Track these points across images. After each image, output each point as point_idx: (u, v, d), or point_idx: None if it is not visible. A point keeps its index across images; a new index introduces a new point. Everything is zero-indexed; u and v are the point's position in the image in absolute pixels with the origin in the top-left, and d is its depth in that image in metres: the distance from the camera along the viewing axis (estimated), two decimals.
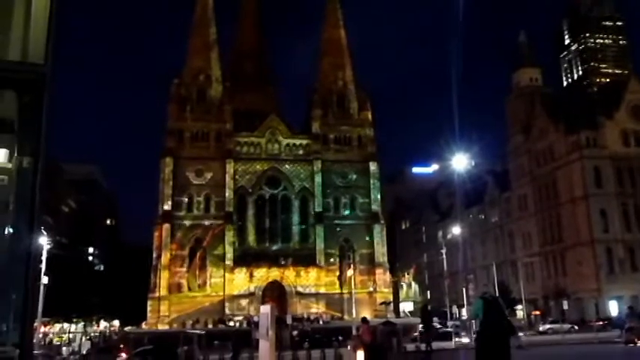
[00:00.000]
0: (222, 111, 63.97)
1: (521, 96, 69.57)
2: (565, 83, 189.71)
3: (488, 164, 76.62)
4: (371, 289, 61.35)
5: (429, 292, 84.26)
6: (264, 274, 60.20)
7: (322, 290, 60.46)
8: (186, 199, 60.94)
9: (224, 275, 59.34)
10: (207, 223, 60.71)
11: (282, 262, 60.53)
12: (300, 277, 60.43)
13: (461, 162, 31.02)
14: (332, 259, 62.04)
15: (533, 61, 73.38)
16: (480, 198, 75.75)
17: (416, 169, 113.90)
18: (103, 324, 77.75)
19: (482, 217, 74.70)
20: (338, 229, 63.38)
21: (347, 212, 64.43)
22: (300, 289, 60.28)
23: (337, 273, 60.40)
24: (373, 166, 65.14)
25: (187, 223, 60.45)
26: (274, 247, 62.37)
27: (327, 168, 64.40)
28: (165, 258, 58.76)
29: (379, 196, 65.39)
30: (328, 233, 62.71)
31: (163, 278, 58.00)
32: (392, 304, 63.59)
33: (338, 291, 59.62)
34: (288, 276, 60.59)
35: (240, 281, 59.64)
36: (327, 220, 63.33)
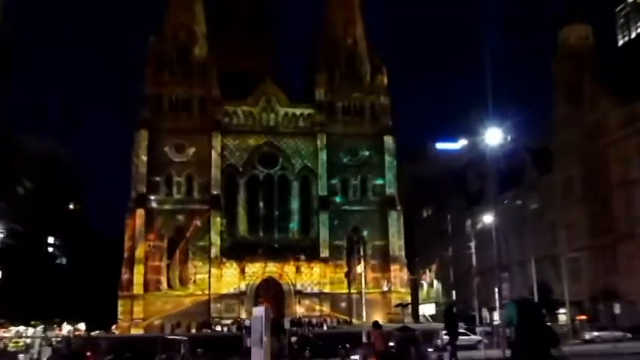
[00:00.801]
0: (208, 74, 63.81)
1: (568, 58, 68.61)
2: (621, 42, 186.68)
3: (527, 140, 76.23)
4: (385, 288, 61.84)
5: (454, 292, 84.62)
6: (257, 270, 60.91)
7: (327, 289, 61.07)
8: (165, 180, 61.29)
9: (210, 271, 59.77)
10: (190, 208, 61.17)
11: (279, 256, 60.66)
12: (300, 274, 60.96)
13: (494, 137, 30.71)
14: (339, 253, 62.45)
15: (584, 16, 72.16)
16: (516, 180, 75.35)
17: (440, 145, 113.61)
18: (66, 327, 78.15)
19: (520, 203, 74.61)
20: (346, 216, 63.62)
21: (357, 196, 64.51)
22: (300, 287, 60.80)
23: (345, 269, 60.56)
24: (389, 141, 65.33)
25: (166, 208, 61.04)
26: (270, 238, 62.98)
27: (334, 143, 64.68)
28: (139, 250, 59.29)
29: (395, 178, 65.60)
30: (334, 221, 63.29)
31: (138, 274, 58.40)
32: (410, 307, 63.84)
33: (345, 290, 59.73)
34: (287, 272, 61.28)
35: (229, 278, 60.44)
36: (333, 205, 63.83)
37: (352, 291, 58.83)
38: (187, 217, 61.21)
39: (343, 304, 60.36)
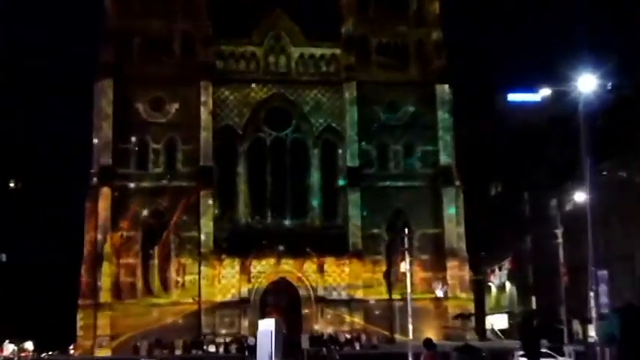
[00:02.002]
0: (195, 2, 63.45)
1: None
2: None
3: (633, 90, 75.24)
4: (439, 292, 62.00)
5: (533, 298, 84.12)
6: (265, 269, 61.22)
7: (359, 294, 61.21)
8: (138, 148, 61.72)
9: (200, 271, 59.92)
10: (172, 186, 61.57)
11: (295, 250, 60.73)
12: (324, 274, 61.20)
13: (588, 84, 30.66)
14: (375, 245, 62.88)
15: None
16: (619, 145, 74.55)
17: (514, 97, 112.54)
18: (8, 347, 77.54)
19: (624, 175, 73.30)
20: (385, 195, 63.87)
21: (400, 168, 64.75)
22: (323, 292, 61.12)
23: (384, 267, 61.27)
24: (443, 92, 65.24)
25: (141, 186, 61.64)
26: (281, 226, 63.28)
27: (367, 95, 64.46)
28: (106, 244, 59.17)
29: (453, 142, 65.29)
30: (369, 202, 63.37)
31: (104, 276, 58.75)
32: (473, 318, 63.64)
33: (385, 296, 60.39)
34: (305, 272, 61.43)
35: (226, 280, 60.74)
36: (368, 180, 63.86)
37: (394, 297, 59.31)
38: (169, 198, 61.57)
39: (382, 315, 60.53)
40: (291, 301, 61.22)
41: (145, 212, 61.59)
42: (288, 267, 61.62)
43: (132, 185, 61.47)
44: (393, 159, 64.90)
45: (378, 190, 63.83)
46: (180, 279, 60.78)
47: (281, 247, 61.38)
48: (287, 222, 63.90)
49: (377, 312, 61.09)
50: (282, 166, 64.37)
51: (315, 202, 64.27)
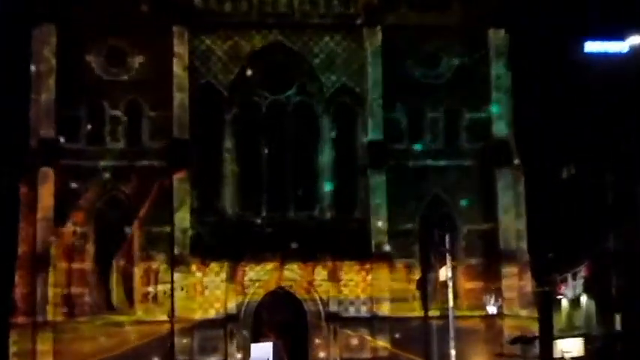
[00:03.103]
0: None
1: None
2: None
3: None
4: (491, 308, 61.54)
5: (618, 317, 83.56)
6: (260, 277, 60.95)
7: (384, 310, 60.77)
8: (90, 116, 61.72)
9: (173, 279, 58.43)
10: (137, 166, 61.79)
11: (300, 252, 60.66)
12: (337, 284, 60.88)
13: None
14: (406, 245, 62.67)
15: None
16: None
17: (593, 47, 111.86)
18: None
19: None
20: (419, 179, 63.72)
21: (439, 142, 64.78)
22: (337, 307, 60.65)
23: (417, 274, 60.15)
24: (498, 40, 64.73)
25: (94, 167, 61.33)
26: (282, 220, 63.15)
27: (396, 44, 63.89)
28: (49, 243, 58.70)
29: (512, 107, 65.39)
30: (398, 188, 62.86)
31: (50, 287, 57.92)
32: (537, 343, 63.06)
33: (418, 312, 58.43)
34: (314, 280, 61.30)
35: (210, 291, 60.53)
36: (396, 158, 63.39)
37: (432, 314, 57.98)
38: (134, 182, 61.41)
39: (415, 338, 58.55)
40: (295, 318, 60.74)
41: (102, 201, 61.29)
42: (291, 274, 61.13)
43: (83, 165, 60.87)
44: (429, 130, 64.14)
45: (409, 172, 62.93)
46: (150, 289, 60.60)
47: (287, 248, 60.42)
48: (290, 215, 63.34)
49: (408, 334, 59.47)
50: (282, 140, 63.93)
51: (326, 189, 63.54)
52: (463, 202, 64.06)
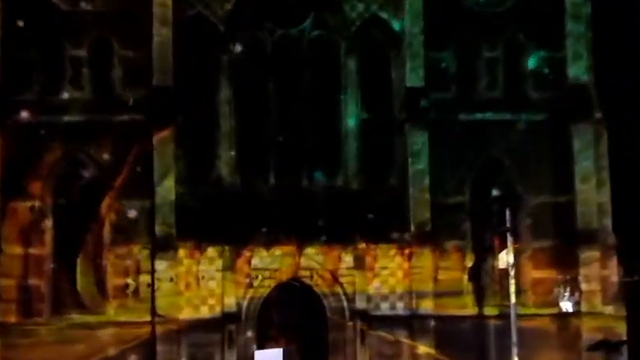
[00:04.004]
0: None
1: None
2: None
3: None
4: (566, 305, 59.88)
5: None
6: (267, 264, 59.34)
7: (427, 307, 58.70)
8: (45, 58, 59.70)
9: (154, 267, 58.04)
10: (108, 122, 59.69)
11: (319, 232, 59.56)
12: (366, 272, 59.44)
13: None
14: (454, 223, 60.62)
15: None
16: None
17: None
18: None
19: None
20: (472, 137, 61.40)
21: (497, 90, 62.64)
22: (365, 302, 59.11)
23: (469, 260, 59.91)
24: None
25: (52, 123, 59.07)
26: (295, 190, 61.14)
27: None
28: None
29: (590, 45, 63.08)
30: (445, 150, 60.34)
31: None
32: (625, 349, 60.71)
33: (471, 310, 58.92)
34: (337, 269, 59.74)
35: (203, 284, 58.68)
36: (441, 110, 60.78)
37: (488, 311, 58.61)
38: (103, 144, 59.15)
39: (467, 342, 58.15)
40: (311, 317, 58.86)
41: (64, 169, 59.28)
42: (306, 261, 59.37)
43: (38, 122, 58.70)
44: (485, 75, 62.03)
45: (460, 129, 60.39)
46: (128, 282, 58.78)
47: (304, 227, 59.52)
48: (305, 184, 61.00)
49: (458, 337, 57.81)
50: (294, 87, 61.50)
51: (351, 151, 61.16)
52: (529, 168, 61.80)
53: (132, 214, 59.62)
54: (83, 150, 59.85)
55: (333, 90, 62.41)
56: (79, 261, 59.49)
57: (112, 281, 59.33)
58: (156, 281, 58.11)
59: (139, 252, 59.18)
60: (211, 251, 59.05)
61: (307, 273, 60.11)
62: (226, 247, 58.84)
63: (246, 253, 59.17)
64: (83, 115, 59.74)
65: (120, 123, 59.84)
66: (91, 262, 59.61)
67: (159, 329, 57.71)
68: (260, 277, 59.49)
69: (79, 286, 59.29)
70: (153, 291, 58.05)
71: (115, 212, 60.03)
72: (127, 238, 59.63)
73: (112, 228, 59.94)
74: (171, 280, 57.87)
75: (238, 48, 61.57)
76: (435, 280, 59.69)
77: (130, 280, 59.05)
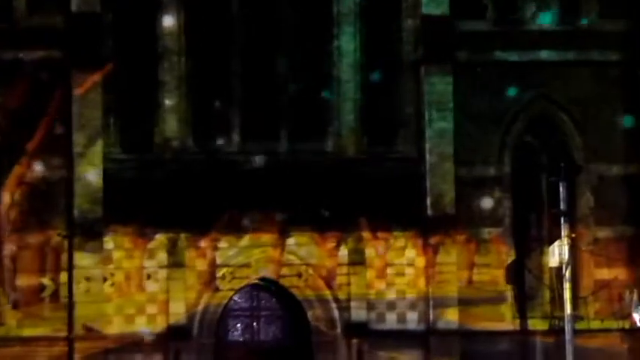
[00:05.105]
0: None
1: None
2: None
3: None
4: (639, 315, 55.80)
5: None
6: (231, 257, 57.50)
7: (449, 319, 57.18)
8: None
9: (72, 262, 56.03)
10: (11, 61, 57.70)
11: (300, 213, 57.17)
12: (366, 269, 57.58)
13: None
14: (486, 203, 58.64)
15: None
16: None
17: None
18: None
19: None
20: (511, 84, 59.35)
21: (545, 18, 60.46)
22: (365, 313, 56.96)
23: (508, 255, 57.13)
24: None
25: None
26: (268, 156, 58.62)
27: None
28: None
29: None
30: (472, 100, 58.29)
31: None
32: None
33: (510, 323, 56.60)
34: (325, 264, 57.61)
35: (137, 287, 56.94)
36: (470, 46, 59.00)
37: (533, 325, 56.06)
38: (6, 92, 57.19)
39: None
40: (290, 332, 57.17)
41: None
42: (291, 255, 57.67)
43: None
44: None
45: (495, 73, 58.05)
46: (44, 282, 56.82)
47: (285, 207, 57.51)
48: (282, 149, 57.80)
49: (493, 359, 55.57)
50: (269, 13, 59.23)
51: (347, 103, 58.87)
52: (592, 128, 58.91)
53: (40, 193, 58.34)
54: None
55: (322, 17, 60.04)
56: None
57: (21, 281, 57.37)
58: (75, 282, 56.20)
59: (61, 243, 57.20)
60: (155, 241, 57.30)
61: (293, 270, 58.10)
62: (181, 235, 57.32)
63: (205, 244, 57.38)
64: None
65: (26, 63, 58.21)
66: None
67: (78, 348, 55.73)
68: (225, 275, 57.72)
69: None
70: (70, 296, 56.26)
71: (27, 186, 57.73)
72: (42, 223, 57.92)
73: (19, 209, 57.97)
74: (105, 280, 57.57)
75: None
76: (470, 281, 58.09)
77: (45, 280, 57.29)
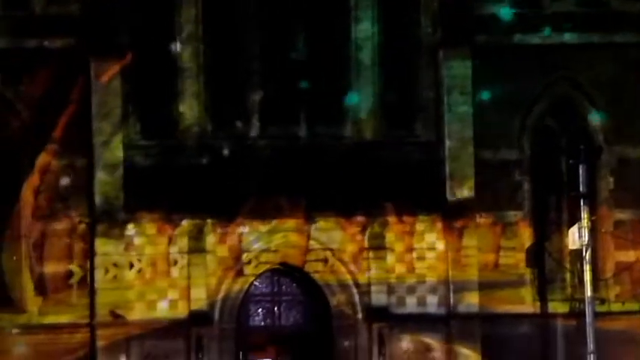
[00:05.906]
0: None
1: None
2: None
3: None
4: None
5: None
6: (259, 244, 57.71)
7: (469, 303, 57.27)
8: None
9: (93, 249, 56.31)
10: (28, 50, 58.41)
11: (318, 199, 57.34)
12: (387, 254, 57.47)
13: None
14: (507, 186, 58.84)
15: None
16: None
17: None
18: None
19: None
20: (533, 67, 59.11)
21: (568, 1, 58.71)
22: (385, 297, 57.07)
23: (527, 239, 57.42)
24: None
25: None
26: (287, 142, 59.41)
27: None
28: None
29: None
30: (492, 84, 58.04)
31: None
32: None
33: (530, 306, 56.91)
34: (346, 248, 57.63)
35: (160, 273, 57.12)
36: (489, 28, 59.42)
37: (553, 308, 56.57)
38: (24, 82, 57.94)
39: (524, 349, 56.13)
40: (310, 320, 57.25)
41: None
42: (316, 240, 57.67)
43: None
44: None
45: (515, 56, 58.18)
46: (72, 268, 56.93)
47: (306, 192, 57.67)
48: (302, 133, 58.18)
49: (513, 343, 55.64)
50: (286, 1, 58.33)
51: (364, 88, 58.72)
52: (614, 110, 58.78)
53: (65, 180, 59.04)
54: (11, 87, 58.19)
55: (342, 5, 60.00)
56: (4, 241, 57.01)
57: (48, 268, 57.64)
58: (98, 268, 56.46)
59: (84, 229, 57.52)
60: (181, 227, 57.69)
61: (318, 255, 58.08)
62: (207, 221, 57.91)
63: (231, 229, 57.74)
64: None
65: (43, 53, 58.59)
66: (19, 242, 57.73)
67: (101, 335, 55.92)
68: (251, 260, 57.67)
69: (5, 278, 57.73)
70: (92, 282, 56.31)
71: (52, 174, 58.12)
72: (68, 208, 58.08)
73: (48, 195, 58.30)
74: (132, 266, 57.30)
75: None
76: (495, 265, 58.44)
77: (73, 267, 57.37)
